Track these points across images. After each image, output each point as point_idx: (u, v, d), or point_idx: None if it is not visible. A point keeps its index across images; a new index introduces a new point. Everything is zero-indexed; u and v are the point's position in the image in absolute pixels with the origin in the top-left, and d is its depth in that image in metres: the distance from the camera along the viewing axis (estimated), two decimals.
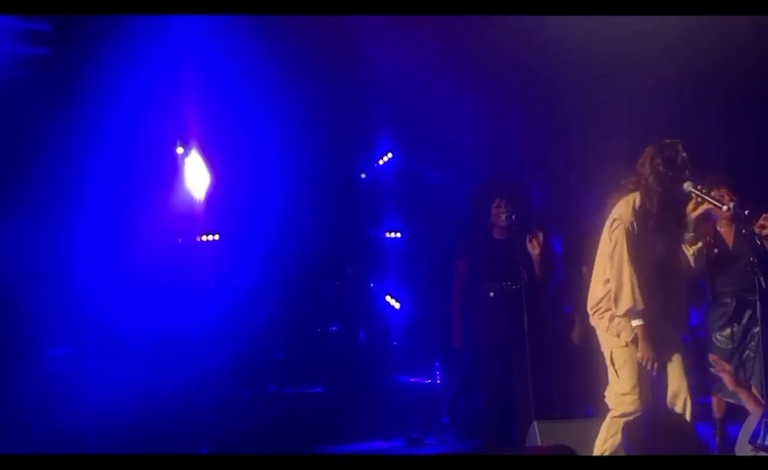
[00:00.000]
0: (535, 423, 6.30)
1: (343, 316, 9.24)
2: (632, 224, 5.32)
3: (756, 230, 5.95)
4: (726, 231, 6.86)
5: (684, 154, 5.32)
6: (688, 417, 5.19)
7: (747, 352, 6.68)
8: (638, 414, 5.00)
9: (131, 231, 7.76)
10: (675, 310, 5.47)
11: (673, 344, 5.46)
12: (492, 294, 7.04)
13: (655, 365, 5.31)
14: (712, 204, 5.34)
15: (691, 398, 5.38)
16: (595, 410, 7.29)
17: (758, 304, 6.44)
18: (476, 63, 7.97)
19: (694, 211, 5.32)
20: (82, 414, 7.14)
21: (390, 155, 9.45)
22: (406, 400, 8.42)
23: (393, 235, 9.37)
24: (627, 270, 5.28)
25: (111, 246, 7.69)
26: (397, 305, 9.29)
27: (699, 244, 5.41)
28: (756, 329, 6.66)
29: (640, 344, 5.31)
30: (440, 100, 8.31)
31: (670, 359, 5.43)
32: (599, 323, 5.50)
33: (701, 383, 6.93)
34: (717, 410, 6.77)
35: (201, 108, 7.85)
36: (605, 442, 5.39)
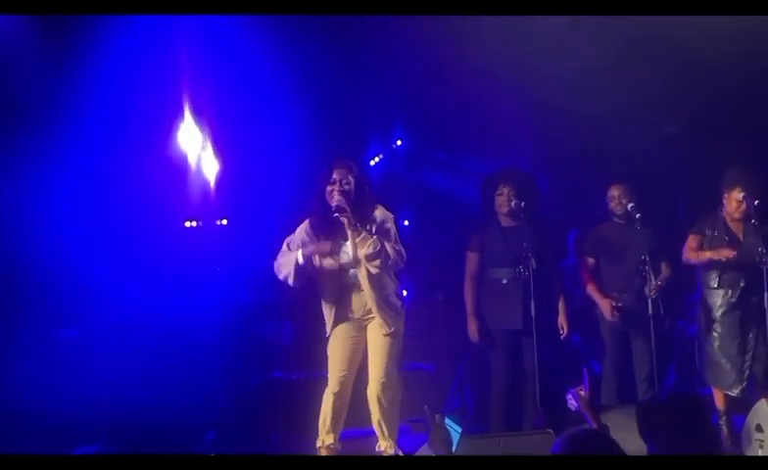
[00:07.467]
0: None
1: None
2: (305, 242, 6.17)
3: None
4: (736, 225, 6.85)
5: (347, 178, 5.99)
6: (387, 400, 6.23)
7: (747, 343, 6.71)
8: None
9: (140, 217, 7.78)
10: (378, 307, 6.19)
11: (377, 335, 6.20)
12: (505, 281, 7.06)
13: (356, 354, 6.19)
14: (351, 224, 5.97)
15: (389, 380, 6.22)
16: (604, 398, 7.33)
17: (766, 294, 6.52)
18: (487, 55, 7.92)
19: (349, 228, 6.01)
20: (90, 396, 7.19)
21: (399, 142, 9.45)
22: (411, 386, 8.40)
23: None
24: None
25: (120, 231, 7.71)
26: (403, 293, 9.23)
27: (365, 249, 6.02)
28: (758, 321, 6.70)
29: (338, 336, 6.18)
30: (449, 89, 8.29)
31: (375, 349, 6.20)
32: None
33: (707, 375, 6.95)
34: (720, 402, 6.77)
35: (210, 97, 7.88)
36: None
